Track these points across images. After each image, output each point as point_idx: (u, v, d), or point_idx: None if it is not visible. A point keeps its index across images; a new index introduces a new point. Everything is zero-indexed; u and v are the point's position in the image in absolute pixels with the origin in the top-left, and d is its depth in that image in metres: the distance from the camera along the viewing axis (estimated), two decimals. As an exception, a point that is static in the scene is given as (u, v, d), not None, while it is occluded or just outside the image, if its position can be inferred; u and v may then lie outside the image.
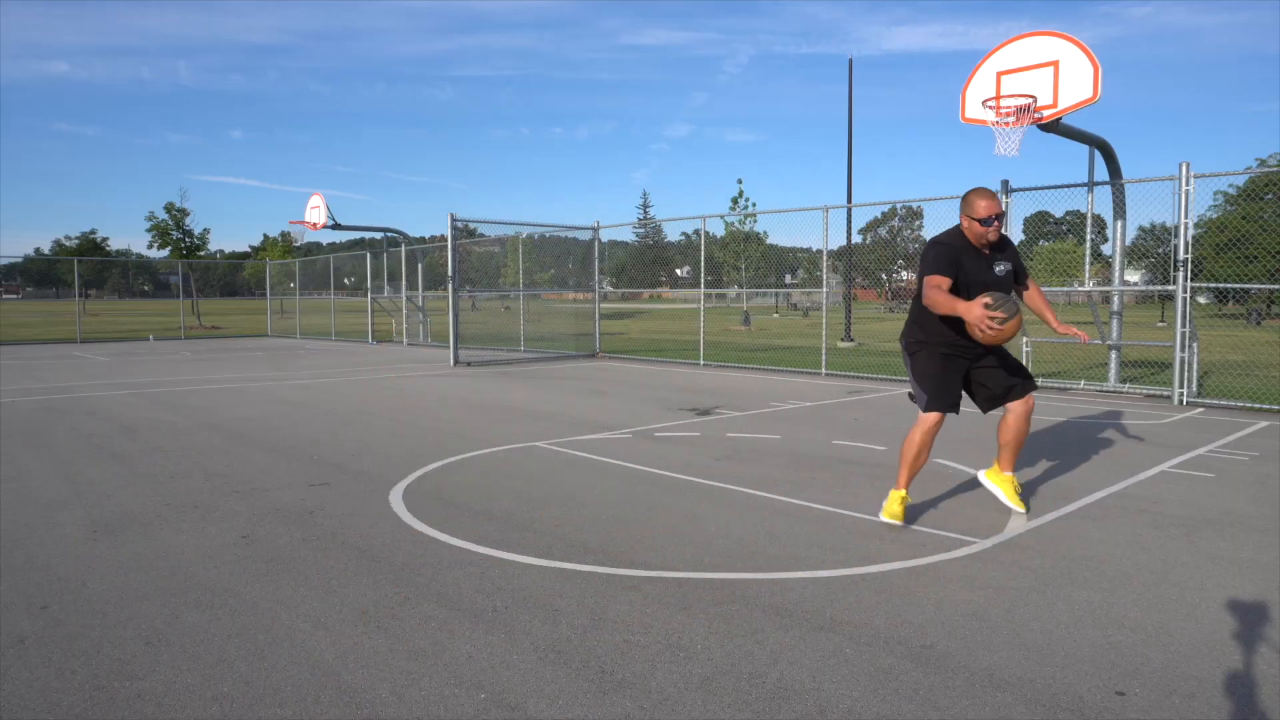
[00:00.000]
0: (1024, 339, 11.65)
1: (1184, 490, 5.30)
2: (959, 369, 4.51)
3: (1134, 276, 31.09)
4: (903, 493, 4.52)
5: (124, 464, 6.08)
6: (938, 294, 4.20)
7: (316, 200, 22.10)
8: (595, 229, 17.28)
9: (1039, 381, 11.08)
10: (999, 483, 4.78)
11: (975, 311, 4.01)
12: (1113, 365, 10.91)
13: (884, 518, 4.51)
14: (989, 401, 4.60)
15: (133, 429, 7.68)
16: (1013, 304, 4.13)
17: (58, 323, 34.62)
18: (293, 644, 2.96)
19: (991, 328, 4.00)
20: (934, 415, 4.42)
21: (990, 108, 9.91)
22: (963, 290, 4.32)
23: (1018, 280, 4.60)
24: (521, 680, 2.69)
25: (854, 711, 2.50)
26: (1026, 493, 5.18)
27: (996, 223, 4.32)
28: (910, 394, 4.71)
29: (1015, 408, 4.54)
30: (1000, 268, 4.43)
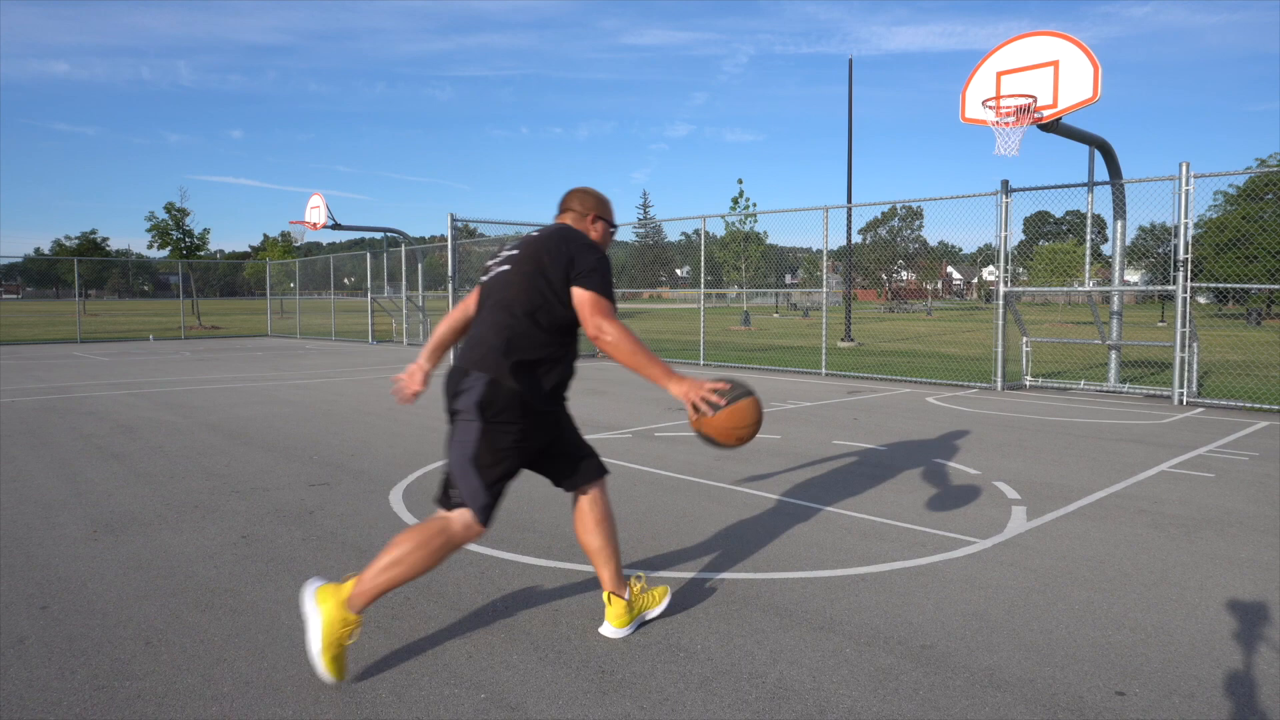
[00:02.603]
0: (1024, 339, 11.65)
1: (1184, 490, 5.30)
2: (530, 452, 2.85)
3: (1134, 276, 31.09)
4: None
5: (124, 464, 6.08)
6: (634, 338, 2.72)
7: (316, 200, 22.09)
8: (595, 229, 17.24)
9: (1040, 381, 11.13)
10: (621, 613, 3.02)
11: (700, 389, 2.69)
12: (1113, 365, 10.91)
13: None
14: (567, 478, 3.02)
15: (133, 429, 7.68)
16: (742, 388, 2.74)
17: (57, 323, 34.64)
18: (293, 644, 2.96)
19: (711, 403, 2.68)
20: (479, 528, 2.74)
21: (990, 108, 9.92)
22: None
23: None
24: (521, 680, 2.69)
25: (854, 711, 2.50)
26: (1027, 492, 5.18)
27: None
28: (447, 489, 2.78)
29: (586, 503, 3.02)
30: None
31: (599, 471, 3.04)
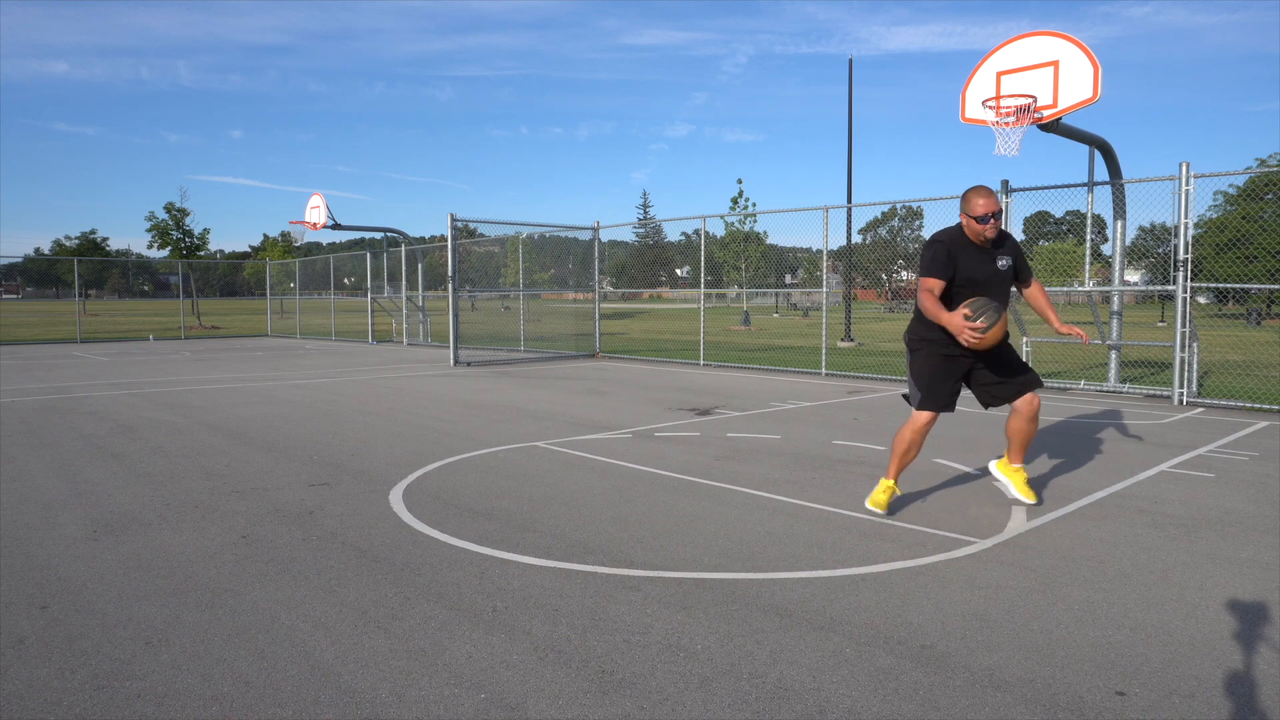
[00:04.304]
0: (1024, 339, 11.65)
1: (1184, 490, 5.30)
2: (957, 370, 4.58)
3: (1134, 276, 31.08)
4: (890, 483, 4.65)
5: (124, 464, 6.08)
6: (927, 299, 4.37)
7: (316, 200, 22.10)
8: (595, 229, 17.27)
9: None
10: (1008, 474, 4.92)
11: (955, 321, 4.20)
12: (1113, 365, 10.91)
13: (868, 505, 4.67)
14: (991, 399, 4.68)
15: (133, 429, 7.68)
16: (994, 310, 4.26)
17: (57, 323, 34.66)
18: (293, 644, 2.97)
19: (973, 338, 4.18)
20: (925, 414, 4.54)
21: (990, 108, 9.91)
22: (964, 287, 4.45)
23: (1019, 278, 4.68)
24: (521, 680, 2.69)
25: (854, 711, 2.50)
26: (1026, 493, 5.19)
27: (993, 220, 4.38)
28: (905, 394, 4.81)
29: (1020, 406, 4.62)
30: (1002, 262, 4.53)
31: (1035, 384, 4.61)
